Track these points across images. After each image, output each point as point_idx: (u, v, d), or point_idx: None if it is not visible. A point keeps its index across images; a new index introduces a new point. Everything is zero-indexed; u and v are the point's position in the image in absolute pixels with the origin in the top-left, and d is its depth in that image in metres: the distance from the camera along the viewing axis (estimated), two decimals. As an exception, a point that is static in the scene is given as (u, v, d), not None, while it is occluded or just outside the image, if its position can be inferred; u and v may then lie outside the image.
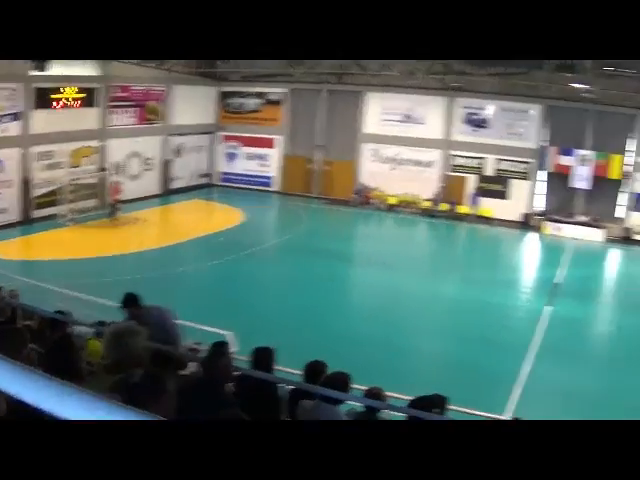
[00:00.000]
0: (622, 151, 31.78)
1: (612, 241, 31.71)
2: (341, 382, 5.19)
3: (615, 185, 31.99)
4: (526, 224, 32.20)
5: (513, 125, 32.06)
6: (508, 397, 13.02)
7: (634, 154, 31.79)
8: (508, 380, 13.96)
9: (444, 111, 32.48)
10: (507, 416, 10.92)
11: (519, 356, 15.49)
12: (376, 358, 14.23)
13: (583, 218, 31.97)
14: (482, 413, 8.72)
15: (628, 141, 31.80)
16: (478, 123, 32.25)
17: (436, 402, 5.03)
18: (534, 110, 32.01)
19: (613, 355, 17.43)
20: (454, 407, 5.88)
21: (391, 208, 32.84)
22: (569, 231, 31.47)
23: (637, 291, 24.57)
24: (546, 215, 32.03)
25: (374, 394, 5.39)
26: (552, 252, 29.69)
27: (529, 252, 31.62)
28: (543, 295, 21.50)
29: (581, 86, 29.70)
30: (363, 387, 5.82)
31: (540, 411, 11.91)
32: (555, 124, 31.98)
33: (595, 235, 31.59)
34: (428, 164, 32.83)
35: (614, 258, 31.39)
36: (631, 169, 31.81)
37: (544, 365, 15.20)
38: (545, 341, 16.90)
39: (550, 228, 31.69)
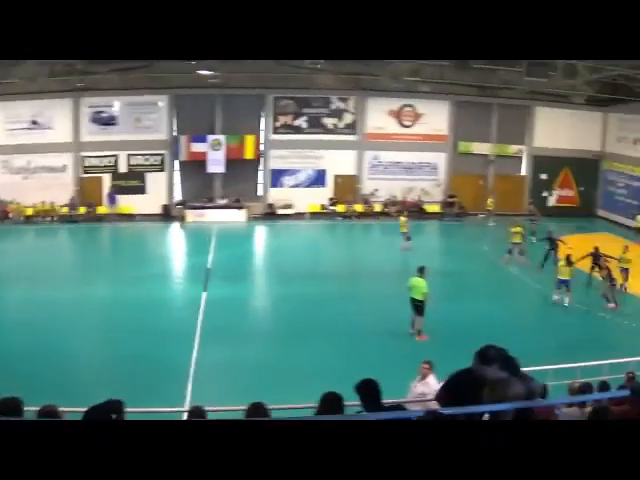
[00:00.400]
0: (255, 131, 32.04)
1: (256, 219, 31.60)
2: (12, 407, 4.75)
3: (253, 164, 32.08)
4: (168, 215, 31.37)
5: (142, 119, 31.48)
6: (185, 387, 12.98)
7: (268, 132, 32.17)
8: (182, 370, 13.87)
9: (71, 113, 31.37)
10: (186, 407, 10.41)
11: (188, 344, 15.44)
12: (45, 375, 13.07)
13: (224, 201, 31.64)
14: (161, 409, 8.24)
15: (261, 121, 32.19)
16: (106, 121, 31.39)
17: (112, 408, 4.73)
18: (162, 101, 31.68)
19: (273, 328, 17.94)
20: (132, 409, 5.44)
21: (29, 219, 30.97)
22: (212, 216, 30.97)
23: (284, 263, 24.81)
24: (186, 204, 31.39)
25: (47, 412, 4.98)
26: (199, 239, 28.96)
27: (176, 243, 30.70)
28: (198, 282, 21.12)
29: (207, 72, 29.65)
30: (36, 408, 5.19)
31: (214, 393, 12.16)
32: (184, 113, 31.78)
33: (238, 216, 31.34)
34: (61, 169, 31.37)
35: (259, 234, 31.23)
36: (265, 148, 32.11)
37: (211, 348, 15.37)
38: (208, 325, 16.96)
39: (192, 216, 31.03)
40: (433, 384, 9.24)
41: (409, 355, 14.28)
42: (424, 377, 9.48)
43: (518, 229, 24.51)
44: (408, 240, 25.99)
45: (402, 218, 26.90)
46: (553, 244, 23.47)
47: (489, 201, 32.11)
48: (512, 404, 4.82)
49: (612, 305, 19.25)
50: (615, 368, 11.92)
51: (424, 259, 19.64)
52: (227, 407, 7.46)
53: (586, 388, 8.38)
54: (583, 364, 11.97)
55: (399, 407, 5.99)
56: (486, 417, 4.99)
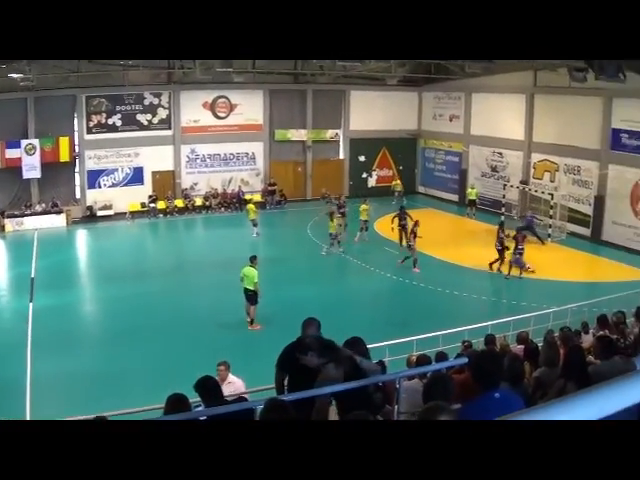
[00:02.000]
0: (69, 132, 31.87)
1: (76, 222, 31.75)
2: None
3: (69, 167, 32.05)
4: (-12, 225, 31.31)
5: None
6: (24, 401, 13.02)
7: (82, 133, 32.04)
8: (18, 385, 13.86)
9: None
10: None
11: (20, 358, 15.37)
12: None
13: (42, 207, 31.68)
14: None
15: (74, 121, 31.99)
16: None
17: None
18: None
19: (105, 332, 18.06)
20: None
21: None
22: (31, 223, 30.95)
23: (109, 265, 24.97)
24: (4, 212, 31.35)
25: None
26: (20, 248, 28.86)
27: (-3, 254, 30.75)
28: (24, 293, 20.88)
29: (18, 75, 29.09)
30: None
31: (54, 405, 12.47)
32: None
33: (58, 221, 31.38)
34: None
35: (81, 238, 31.33)
36: (80, 149, 32.05)
37: (45, 360, 15.37)
38: (39, 336, 16.87)
39: (11, 224, 31.04)
40: (238, 381, 9.50)
41: (245, 345, 15.26)
42: (223, 379, 9.33)
43: (365, 207, 25.95)
44: (255, 226, 27.22)
45: (250, 205, 27.92)
46: (404, 217, 24.45)
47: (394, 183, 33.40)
48: (348, 384, 4.95)
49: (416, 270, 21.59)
50: (450, 338, 12.49)
51: (254, 248, 20.43)
52: (69, 418, 7.61)
53: (424, 359, 8.38)
54: (418, 337, 12.45)
55: (242, 399, 6.33)
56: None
